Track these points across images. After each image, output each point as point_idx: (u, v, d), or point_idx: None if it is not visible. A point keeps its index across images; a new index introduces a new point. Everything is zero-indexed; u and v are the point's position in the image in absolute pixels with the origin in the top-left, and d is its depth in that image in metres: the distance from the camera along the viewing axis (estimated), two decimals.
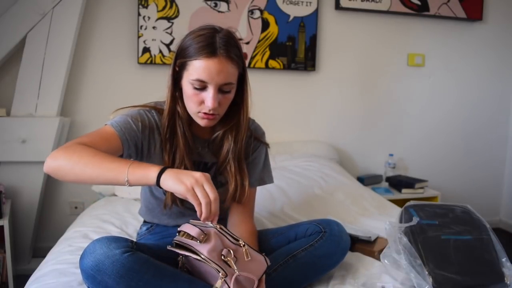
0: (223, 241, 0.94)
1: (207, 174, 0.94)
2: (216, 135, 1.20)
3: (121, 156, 1.10)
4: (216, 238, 0.93)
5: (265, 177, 1.33)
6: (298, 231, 1.22)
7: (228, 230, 0.97)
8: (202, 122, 1.12)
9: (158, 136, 1.17)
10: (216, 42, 1.04)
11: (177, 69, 1.11)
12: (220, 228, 0.96)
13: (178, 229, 0.98)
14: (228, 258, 0.91)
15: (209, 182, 0.92)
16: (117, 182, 0.94)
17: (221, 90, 1.07)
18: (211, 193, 0.91)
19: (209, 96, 1.06)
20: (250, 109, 1.20)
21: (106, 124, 1.11)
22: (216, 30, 1.08)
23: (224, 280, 0.90)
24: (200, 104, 1.08)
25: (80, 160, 0.95)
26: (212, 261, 0.90)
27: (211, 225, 0.95)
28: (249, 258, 0.94)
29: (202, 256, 0.90)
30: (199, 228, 0.93)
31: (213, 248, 0.91)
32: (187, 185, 0.90)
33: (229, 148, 1.19)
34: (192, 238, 0.93)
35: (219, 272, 0.90)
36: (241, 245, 0.95)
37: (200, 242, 0.91)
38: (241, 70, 1.12)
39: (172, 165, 1.14)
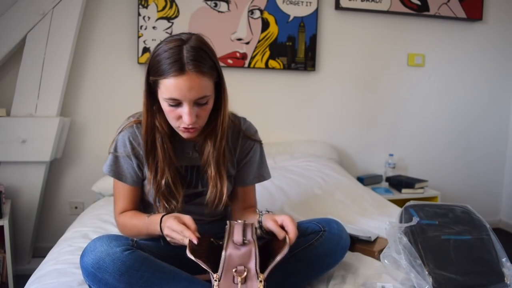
0: (249, 261, 0.91)
1: (169, 224, 1.01)
2: (198, 140, 1.20)
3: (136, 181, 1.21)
4: (249, 252, 0.91)
5: (264, 173, 1.33)
6: (298, 230, 1.22)
7: (258, 258, 0.92)
8: (184, 135, 1.12)
9: (142, 151, 1.18)
10: (184, 57, 1.00)
11: (151, 83, 1.09)
12: (258, 249, 0.92)
13: (229, 222, 1.00)
14: (239, 277, 0.89)
15: (171, 232, 1.00)
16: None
17: (197, 103, 1.05)
18: (180, 233, 0.99)
19: (184, 112, 1.04)
20: (228, 113, 1.19)
21: (107, 173, 1.22)
22: (183, 41, 1.03)
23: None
24: (178, 119, 1.07)
25: (131, 234, 1.17)
26: (217, 266, 0.89)
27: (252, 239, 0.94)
28: None
29: (223, 254, 0.90)
30: (243, 235, 0.94)
31: (237, 256, 0.90)
32: (168, 240, 1.03)
33: (208, 153, 1.18)
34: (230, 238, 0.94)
35: (214, 274, 0.88)
36: (259, 279, 0.90)
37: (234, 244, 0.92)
38: (217, 78, 1.09)
39: (154, 178, 1.15)
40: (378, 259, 1.29)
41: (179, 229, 0.97)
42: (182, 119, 1.06)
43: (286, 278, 1.11)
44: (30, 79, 2.10)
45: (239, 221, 1.00)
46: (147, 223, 1.11)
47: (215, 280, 0.88)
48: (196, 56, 1.01)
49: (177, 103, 1.04)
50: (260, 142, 1.31)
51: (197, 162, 1.22)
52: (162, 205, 1.16)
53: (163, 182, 1.14)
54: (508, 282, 1.10)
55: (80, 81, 2.30)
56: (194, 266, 1.13)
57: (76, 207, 2.36)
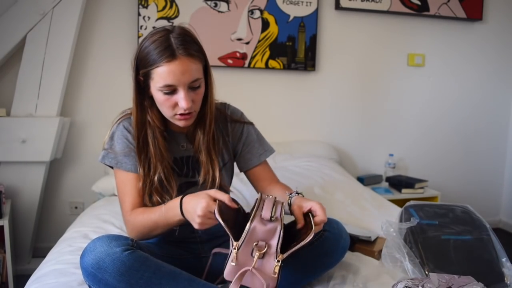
0: (272, 238, 0.90)
1: (201, 207, 0.95)
2: (188, 129, 1.22)
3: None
4: (274, 229, 0.90)
5: (267, 148, 1.34)
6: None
7: (281, 237, 0.91)
8: (180, 123, 1.13)
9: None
10: (172, 43, 1.04)
11: (141, 79, 1.10)
12: (283, 229, 0.92)
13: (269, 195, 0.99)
14: (257, 252, 0.88)
15: (203, 216, 0.95)
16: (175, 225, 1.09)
17: (191, 87, 1.08)
18: (214, 217, 0.93)
19: (181, 97, 1.07)
20: (215, 98, 1.21)
21: (114, 168, 1.19)
22: (168, 31, 1.07)
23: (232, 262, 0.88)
24: (175, 107, 1.09)
25: (144, 231, 1.12)
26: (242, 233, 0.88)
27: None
28: (275, 275, 0.89)
29: (248, 225, 0.89)
30: (272, 212, 0.92)
31: (261, 231, 0.89)
32: (196, 225, 0.98)
33: (199, 141, 1.20)
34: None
35: (234, 242, 0.88)
36: (277, 258, 0.89)
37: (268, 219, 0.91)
38: (204, 62, 1.12)
39: (147, 174, 1.15)
40: (378, 259, 1.29)
41: (212, 208, 0.94)
42: (178, 106, 1.09)
43: (286, 277, 1.11)
44: (30, 79, 2.10)
45: (270, 196, 0.99)
46: (165, 211, 1.07)
47: (234, 248, 0.88)
48: (184, 41, 1.05)
49: (172, 90, 1.07)
50: (251, 124, 1.33)
51: (192, 152, 1.24)
52: (156, 200, 1.15)
53: (155, 178, 1.15)
54: (508, 282, 1.10)
55: (80, 81, 2.30)
56: (194, 267, 1.13)
57: (76, 207, 2.36)
